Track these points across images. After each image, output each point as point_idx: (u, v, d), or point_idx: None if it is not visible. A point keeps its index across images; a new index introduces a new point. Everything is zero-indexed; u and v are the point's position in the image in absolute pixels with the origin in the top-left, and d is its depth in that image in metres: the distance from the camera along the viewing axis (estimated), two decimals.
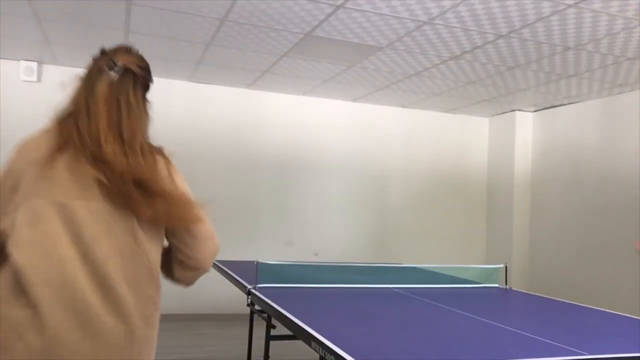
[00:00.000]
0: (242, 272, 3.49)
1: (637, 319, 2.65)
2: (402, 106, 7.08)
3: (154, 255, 1.50)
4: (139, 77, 1.54)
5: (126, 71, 1.51)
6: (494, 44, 4.41)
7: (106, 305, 1.38)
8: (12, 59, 5.66)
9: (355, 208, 6.91)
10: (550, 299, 3.32)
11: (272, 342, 2.99)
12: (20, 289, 1.35)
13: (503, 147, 7.21)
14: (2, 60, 5.65)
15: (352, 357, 1.67)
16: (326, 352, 1.78)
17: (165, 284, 1.60)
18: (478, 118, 7.50)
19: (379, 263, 5.17)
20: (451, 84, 5.79)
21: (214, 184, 6.25)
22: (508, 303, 3.25)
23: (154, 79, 1.65)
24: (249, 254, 5.84)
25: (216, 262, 4.06)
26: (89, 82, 1.50)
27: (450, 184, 7.35)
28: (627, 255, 5.59)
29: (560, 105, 6.57)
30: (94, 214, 1.40)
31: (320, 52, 4.87)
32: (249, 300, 3.01)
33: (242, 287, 3.15)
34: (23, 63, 5.68)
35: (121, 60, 1.52)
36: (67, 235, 1.38)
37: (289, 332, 2.31)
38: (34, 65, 5.69)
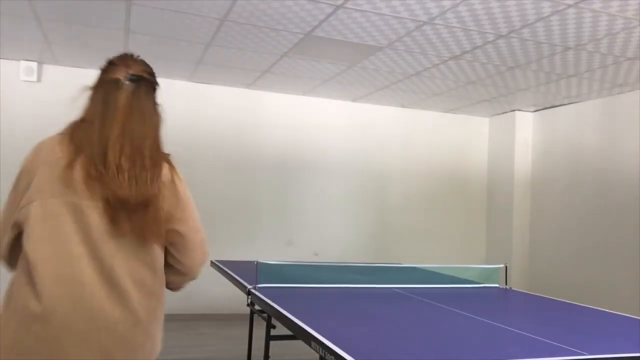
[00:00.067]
0: (242, 272, 3.48)
1: (637, 319, 2.65)
2: (402, 106, 7.08)
3: (158, 253, 1.58)
4: (149, 83, 1.64)
5: (139, 79, 1.60)
6: (494, 44, 4.41)
7: (112, 300, 1.47)
8: (12, 59, 5.66)
9: (355, 208, 6.91)
10: (550, 299, 3.31)
11: (272, 342, 3.00)
12: (33, 281, 1.44)
13: (503, 147, 7.20)
14: (2, 60, 5.65)
15: (352, 357, 1.67)
16: (326, 352, 1.79)
17: None
18: (478, 118, 7.50)
19: (379, 263, 5.17)
20: (451, 84, 5.79)
21: (214, 184, 6.26)
22: (508, 303, 3.25)
23: None
24: (249, 254, 5.83)
25: (216, 262, 4.06)
26: (104, 93, 1.57)
27: (450, 184, 7.35)
28: (627, 255, 5.59)
29: (560, 105, 6.57)
30: (101, 214, 1.49)
31: (320, 52, 4.87)
32: (249, 300, 3.01)
33: (242, 287, 3.14)
34: (23, 63, 5.68)
35: (133, 70, 1.60)
36: (77, 233, 1.47)
37: (289, 332, 2.31)
38: (34, 65, 5.69)
